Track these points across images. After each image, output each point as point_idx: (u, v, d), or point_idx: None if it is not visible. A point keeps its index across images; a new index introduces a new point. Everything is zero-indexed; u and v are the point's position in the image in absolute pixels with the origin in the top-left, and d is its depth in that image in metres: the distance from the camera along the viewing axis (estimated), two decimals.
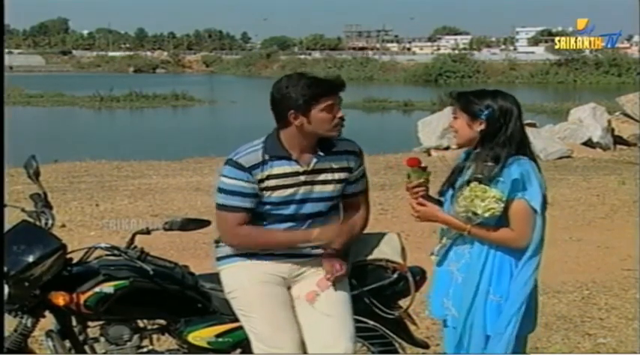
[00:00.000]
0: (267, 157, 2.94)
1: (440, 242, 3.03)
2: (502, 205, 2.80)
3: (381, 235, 3.23)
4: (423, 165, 2.97)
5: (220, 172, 2.99)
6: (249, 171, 2.91)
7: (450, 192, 2.97)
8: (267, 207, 2.98)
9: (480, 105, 2.88)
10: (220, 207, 2.99)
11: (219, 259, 3.10)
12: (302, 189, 2.97)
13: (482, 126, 2.87)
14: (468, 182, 2.84)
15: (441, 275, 3.03)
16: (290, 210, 2.98)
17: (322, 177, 3.00)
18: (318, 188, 2.99)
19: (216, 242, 3.12)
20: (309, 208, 2.99)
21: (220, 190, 2.97)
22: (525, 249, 2.87)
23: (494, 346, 2.90)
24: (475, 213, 2.80)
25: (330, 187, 3.01)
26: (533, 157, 2.94)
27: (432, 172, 2.97)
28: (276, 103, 2.95)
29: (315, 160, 2.98)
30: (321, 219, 3.02)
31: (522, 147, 2.91)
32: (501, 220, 2.86)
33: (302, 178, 2.97)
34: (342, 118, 2.95)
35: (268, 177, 2.94)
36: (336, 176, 3.01)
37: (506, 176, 2.82)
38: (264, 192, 2.95)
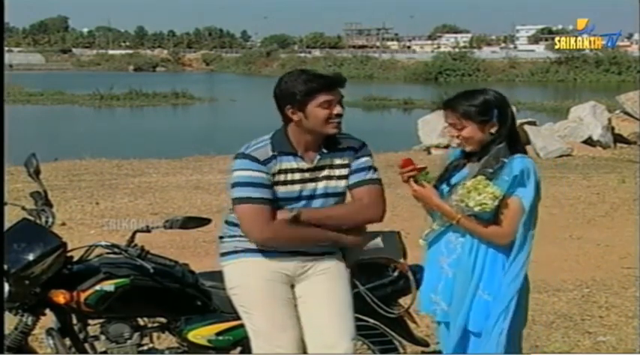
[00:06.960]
0: (275, 152, 2.94)
1: (430, 227, 3.03)
2: (496, 204, 2.81)
3: (382, 233, 3.23)
4: (419, 166, 2.98)
5: (232, 167, 2.95)
6: (264, 164, 2.91)
7: (446, 188, 2.98)
8: (278, 202, 2.96)
9: (486, 108, 2.89)
10: (242, 200, 2.89)
11: (223, 255, 3.09)
12: (308, 186, 2.98)
13: (495, 128, 2.90)
14: (475, 175, 2.84)
15: (431, 271, 3.04)
16: (300, 205, 2.98)
17: (325, 173, 3.00)
18: (322, 184, 3.00)
19: (221, 237, 3.11)
20: (316, 204, 3.00)
21: (237, 184, 2.90)
22: (512, 246, 2.88)
23: (484, 345, 2.91)
24: (467, 205, 2.82)
25: (332, 183, 3.01)
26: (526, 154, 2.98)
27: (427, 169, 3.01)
28: (277, 99, 2.97)
29: (318, 157, 2.99)
30: None
31: (519, 143, 2.95)
32: (494, 216, 2.88)
33: (307, 175, 2.97)
34: (339, 115, 2.93)
35: (279, 172, 2.94)
36: (337, 172, 3.01)
37: (508, 173, 2.84)
38: (275, 186, 2.95)
